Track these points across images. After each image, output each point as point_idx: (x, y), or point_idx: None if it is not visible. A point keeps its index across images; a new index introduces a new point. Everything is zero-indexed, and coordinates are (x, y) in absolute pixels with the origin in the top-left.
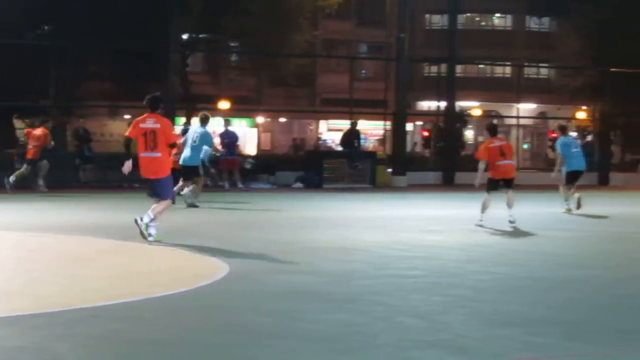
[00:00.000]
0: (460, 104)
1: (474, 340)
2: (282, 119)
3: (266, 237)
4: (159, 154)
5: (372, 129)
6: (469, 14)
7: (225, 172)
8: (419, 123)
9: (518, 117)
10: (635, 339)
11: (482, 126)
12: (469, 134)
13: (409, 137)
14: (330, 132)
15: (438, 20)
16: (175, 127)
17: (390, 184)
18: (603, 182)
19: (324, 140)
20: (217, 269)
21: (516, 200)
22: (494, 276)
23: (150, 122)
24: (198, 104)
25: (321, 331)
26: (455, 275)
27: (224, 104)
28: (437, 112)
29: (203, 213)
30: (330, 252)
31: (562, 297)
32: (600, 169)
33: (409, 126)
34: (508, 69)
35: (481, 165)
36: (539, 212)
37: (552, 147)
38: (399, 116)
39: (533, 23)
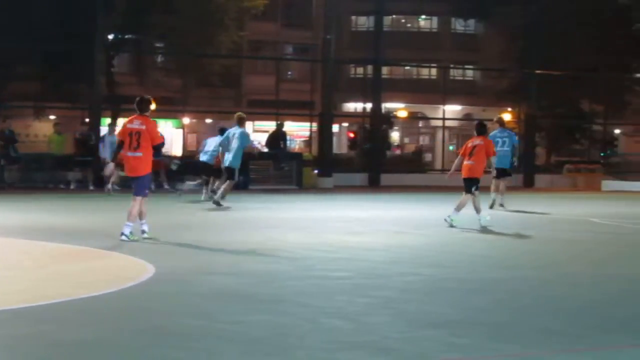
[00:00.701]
0: (387, 105)
1: (399, 341)
2: (209, 120)
3: (192, 237)
4: (140, 154)
5: (298, 130)
6: (394, 16)
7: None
8: (345, 124)
9: (444, 119)
10: (562, 339)
11: (407, 127)
12: (395, 135)
13: (335, 139)
14: (257, 133)
15: (364, 22)
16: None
17: (316, 185)
18: (528, 184)
19: (251, 142)
20: (142, 270)
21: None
22: (419, 277)
23: (136, 124)
24: (124, 104)
25: (245, 333)
26: (380, 277)
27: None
28: (363, 114)
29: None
30: (255, 253)
31: (488, 298)
32: (525, 170)
33: (335, 127)
34: (434, 71)
35: (456, 161)
36: (466, 213)
37: None
38: (325, 117)
39: (459, 25)
